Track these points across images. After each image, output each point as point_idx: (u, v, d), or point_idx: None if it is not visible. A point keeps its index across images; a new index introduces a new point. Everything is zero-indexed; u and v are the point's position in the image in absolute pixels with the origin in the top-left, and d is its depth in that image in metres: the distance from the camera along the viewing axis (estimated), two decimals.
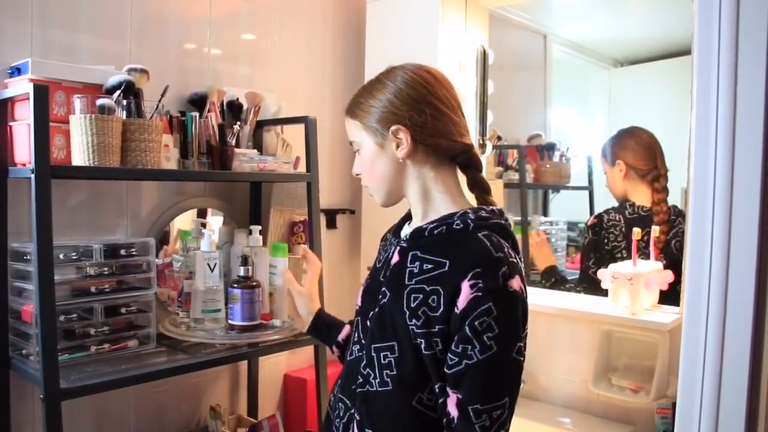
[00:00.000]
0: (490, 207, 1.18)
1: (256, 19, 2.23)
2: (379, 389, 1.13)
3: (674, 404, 1.73)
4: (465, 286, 1.05)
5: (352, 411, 1.17)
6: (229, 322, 1.81)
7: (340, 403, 1.21)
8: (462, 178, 1.24)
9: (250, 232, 1.94)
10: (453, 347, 1.06)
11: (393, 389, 1.12)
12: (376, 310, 1.17)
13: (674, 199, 2.26)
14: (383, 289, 1.17)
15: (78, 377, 1.47)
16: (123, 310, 1.68)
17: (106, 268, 1.67)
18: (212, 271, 1.81)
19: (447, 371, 1.07)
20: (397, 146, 1.16)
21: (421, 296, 1.09)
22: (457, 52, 2.28)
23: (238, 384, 2.22)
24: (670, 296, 2.04)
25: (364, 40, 2.43)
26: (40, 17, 1.68)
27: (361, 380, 1.16)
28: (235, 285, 1.79)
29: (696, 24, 1.63)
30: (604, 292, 2.06)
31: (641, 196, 2.33)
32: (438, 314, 1.07)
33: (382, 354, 1.13)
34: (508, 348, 1.06)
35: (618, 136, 2.48)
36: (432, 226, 1.15)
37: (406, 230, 1.23)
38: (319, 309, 1.48)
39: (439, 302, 1.07)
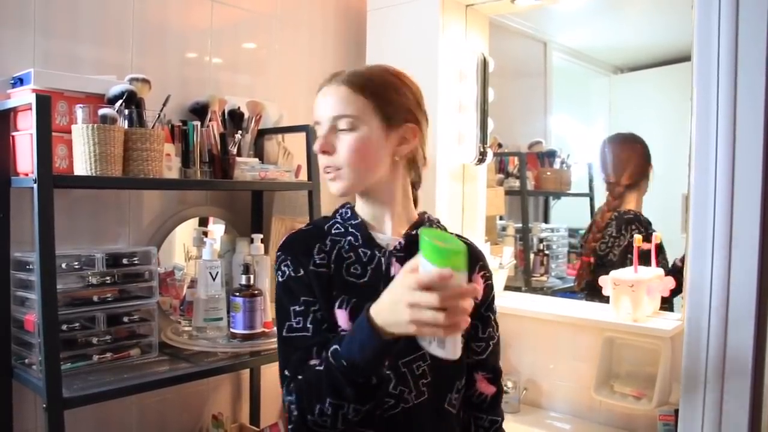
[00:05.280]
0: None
1: (257, 28, 2.24)
2: (415, 402, 1.12)
3: (677, 411, 1.73)
4: (477, 278, 1.22)
5: None
6: (231, 330, 1.81)
7: None
8: None
9: (252, 241, 1.95)
10: (480, 335, 1.21)
11: (429, 397, 1.13)
12: None
13: (674, 204, 2.27)
14: None
15: (80, 386, 1.47)
16: (125, 319, 1.68)
17: (108, 277, 1.67)
18: (214, 279, 1.82)
19: (477, 358, 1.21)
20: (400, 143, 1.15)
21: None
22: (457, 60, 2.29)
23: (241, 392, 2.22)
24: (670, 303, 2.05)
25: (365, 48, 2.44)
26: (42, 27, 1.70)
27: (392, 402, 1.11)
28: (237, 293, 1.79)
29: (695, 30, 1.64)
30: (606, 299, 2.06)
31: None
32: None
33: (414, 365, 1.12)
34: None
35: (602, 148, 2.66)
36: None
37: (385, 239, 1.18)
38: None
39: None
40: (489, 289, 1.23)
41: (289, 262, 1.16)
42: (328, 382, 1.01)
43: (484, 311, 1.22)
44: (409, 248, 1.15)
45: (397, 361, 1.10)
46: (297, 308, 1.13)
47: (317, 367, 1.04)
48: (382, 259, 1.15)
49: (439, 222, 1.26)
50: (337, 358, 0.99)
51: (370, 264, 1.16)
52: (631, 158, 2.48)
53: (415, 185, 1.27)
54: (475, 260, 1.19)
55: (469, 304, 0.91)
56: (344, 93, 1.12)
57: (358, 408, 1.01)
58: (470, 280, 1.14)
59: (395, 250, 1.16)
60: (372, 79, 1.14)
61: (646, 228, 2.29)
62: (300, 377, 1.08)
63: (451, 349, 0.94)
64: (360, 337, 0.98)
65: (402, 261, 1.14)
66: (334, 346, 1.01)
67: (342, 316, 1.13)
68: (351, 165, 1.13)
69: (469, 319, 0.92)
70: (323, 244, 1.17)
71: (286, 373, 1.11)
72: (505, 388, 2.13)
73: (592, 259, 2.44)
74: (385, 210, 1.18)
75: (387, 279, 1.13)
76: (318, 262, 1.15)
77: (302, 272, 1.14)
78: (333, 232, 1.20)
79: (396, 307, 0.93)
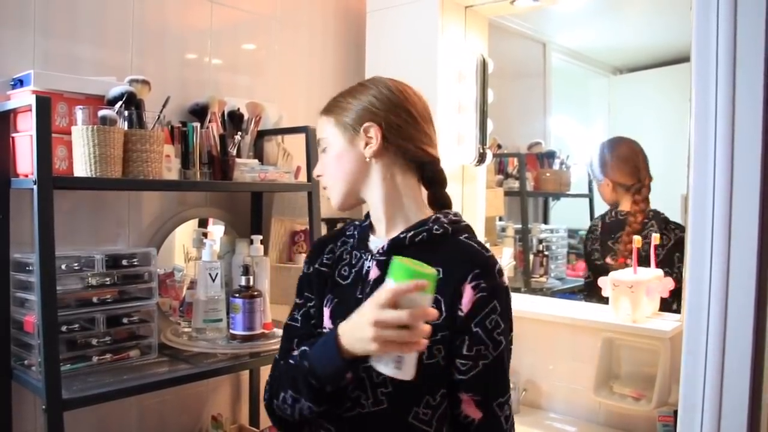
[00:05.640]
0: (453, 211, 1.21)
1: (257, 29, 2.24)
2: (372, 409, 1.10)
3: (676, 412, 1.73)
4: (467, 288, 1.08)
5: None
6: (231, 331, 1.81)
7: (321, 430, 1.16)
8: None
9: (252, 242, 1.95)
10: (465, 352, 1.09)
11: (388, 407, 1.09)
12: None
13: (674, 206, 2.28)
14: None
15: (80, 387, 1.47)
16: (125, 320, 1.68)
17: (107, 279, 1.67)
18: (213, 280, 1.82)
19: (461, 377, 1.09)
20: (366, 144, 1.16)
21: None
22: (456, 61, 2.30)
23: (240, 393, 2.22)
24: (671, 303, 2.05)
25: (365, 49, 2.44)
26: (42, 29, 1.70)
27: (349, 404, 1.11)
28: (237, 294, 1.79)
29: (694, 31, 1.64)
30: (604, 299, 2.06)
31: (629, 204, 2.44)
32: (440, 322, 1.07)
33: (374, 372, 1.06)
34: (509, 339, 1.15)
35: (602, 150, 2.62)
36: (410, 234, 1.14)
37: (377, 242, 1.19)
38: None
39: (440, 309, 1.08)
40: (481, 301, 1.08)
41: (307, 259, 1.27)
42: (292, 376, 1.09)
43: (474, 326, 1.08)
44: (391, 252, 1.13)
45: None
46: (298, 301, 1.25)
47: (290, 360, 1.13)
48: (366, 262, 1.17)
49: (456, 223, 1.17)
50: (303, 358, 1.07)
51: (356, 266, 1.18)
52: (645, 159, 2.47)
53: (436, 183, 1.23)
54: (468, 268, 1.10)
55: (429, 327, 0.96)
56: (318, 121, 1.23)
57: (312, 407, 1.07)
58: (460, 289, 1.09)
59: (378, 253, 1.16)
60: (334, 98, 1.22)
61: (684, 229, 2.28)
62: (282, 363, 1.18)
63: (406, 369, 0.97)
64: (325, 350, 1.03)
65: (380, 265, 1.14)
66: (305, 347, 1.10)
67: (326, 315, 1.19)
68: (330, 180, 1.21)
69: (426, 342, 0.96)
70: (335, 245, 1.25)
71: (276, 356, 1.23)
72: None
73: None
74: (378, 212, 1.19)
75: (364, 282, 1.15)
76: (324, 261, 1.23)
77: (311, 270, 1.25)
78: (347, 233, 1.26)
79: (360, 326, 0.97)
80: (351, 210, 1.25)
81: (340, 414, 1.11)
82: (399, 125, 1.16)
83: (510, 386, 1.15)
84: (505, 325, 1.12)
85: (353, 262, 1.19)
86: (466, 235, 1.17)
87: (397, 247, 1.14)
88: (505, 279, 1.14)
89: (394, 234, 1.16)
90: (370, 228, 1.22)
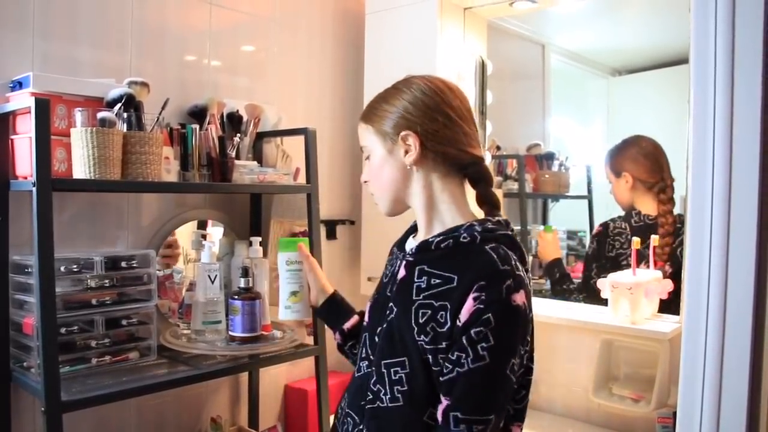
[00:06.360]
0: (496, 218, 1.18)
1: (256, 31, 2.25)
2: (390, 405, 1.12)
3: (675, 413, 1.73)
4: (469, 299, 1.05)
5: (361, 427, 1.16)
6: (230, 333, 1.81)
7: (348, 418, 1.19)
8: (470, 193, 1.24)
9: (251, 244, 1.95)
10: (449, 356, 1.06)
11: (404, 405, 1.11)
12: (385, 326, 1.16)
13: (676, 207, 2.27)
14: (390, 304, 1.17)
15: (79, 389, 1.47)
16: (124, 322, 1.68)
17: (106, 281, 1.67)
18: (213, 282, 1.82)
19: (441, 378, 1.07)
20: (406, 152, 1.16)
21: (430, 312, 1.09)
22: (455, 62, 2.30)
23: (239, 395, 2.22)
24: (671, 305, 2.04)
25: (363, 51, 2.44)
26: (41, 31, 1.70)
27: (371, 396, 1.15)
28: (236, 296, 1.79)
29: (692, 33, 1.64)
30: (604, 302, 2.06)
31: (647, 206, 2.32)
32: (444, 330, 1.07)
33: (392, 370, 1.12)
34: (502, 362, 1.05)
35: (623, 146, 2.46)
36: (438, 239, 1.14)
37: (411, 243, 1.22)
38: (334, 290, 1.48)
39: (446, 318, 1.07)
40: (477, 312, 1.04)
41: None
42: None
43: (460, 333, 1.05)
44: (418, 254, 1.16)
45: (380, 360, 1.15)
46: None
47: None
48: (398, 262, 1.20)
49: (490, 231, 1.13)
50: None
51: (394, 266, 1.23)
52: (666, 158, 2.33)
53: (481, 183, 1.21)
54: (475, 278, 1.06)
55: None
56: (358, 128, 1.25)
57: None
58: (463, 298, 1.06)
59: (408, 254, 1.18)
60: (371, 103, 1.22)
61: None
62: None
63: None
64: None
65: (408, 267, 1.16)
66: None
67: (366, 310, 1.29)
68: (375, 189, 1.24)
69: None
70: (394, 247, 1.31)
71: None
72: None
73: (671, 268, 2.14)
74: (419, 217, 1.22)
75: (394, 281, 1.19)
76: (386, 263, 1.30)
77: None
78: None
79: None
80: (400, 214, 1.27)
81: (363, 405, 1.16)
82: (436, 130, 1.15)
83: (486, 414, 1.04)
84: (497, 344, 1.04)
85: (393, 262, 1.25)
86: (493, 245, 1.11)
87: (423, 250, 1.16)
88: (517, 298, 1.06)
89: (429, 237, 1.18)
90: (415, 230, 1.26)
